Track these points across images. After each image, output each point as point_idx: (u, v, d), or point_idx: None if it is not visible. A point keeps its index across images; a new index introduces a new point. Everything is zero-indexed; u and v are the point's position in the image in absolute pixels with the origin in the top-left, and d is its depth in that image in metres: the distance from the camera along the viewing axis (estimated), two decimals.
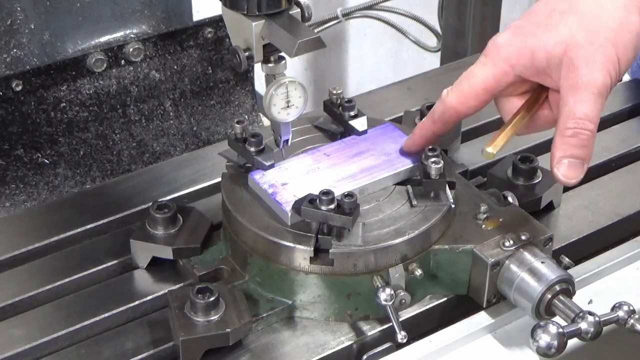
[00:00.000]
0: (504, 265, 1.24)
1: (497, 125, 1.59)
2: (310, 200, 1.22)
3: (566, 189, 1.44)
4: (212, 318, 1.19)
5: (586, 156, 1.18)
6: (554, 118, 1.22)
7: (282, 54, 1.25)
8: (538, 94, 1.25)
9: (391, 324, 1.21)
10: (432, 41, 2.96)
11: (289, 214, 1.24)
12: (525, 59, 1.20)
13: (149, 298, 1.29)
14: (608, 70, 1.16)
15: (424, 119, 1.32)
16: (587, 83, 1.16)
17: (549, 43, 1.18)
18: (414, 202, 1.28)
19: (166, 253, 1.31)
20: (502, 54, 1.21)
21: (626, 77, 1.78)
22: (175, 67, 1.81)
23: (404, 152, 1.34)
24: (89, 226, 1.41)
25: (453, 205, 1.28)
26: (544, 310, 1.21)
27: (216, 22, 1.79)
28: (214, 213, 1.37)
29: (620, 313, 1.18)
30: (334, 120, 1.42)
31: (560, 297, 1.21)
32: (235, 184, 1.32)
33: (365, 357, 1.22)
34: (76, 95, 1.72)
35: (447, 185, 1.28)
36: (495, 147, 1.22)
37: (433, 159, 1.27)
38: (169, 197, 1.45)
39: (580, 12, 1.18)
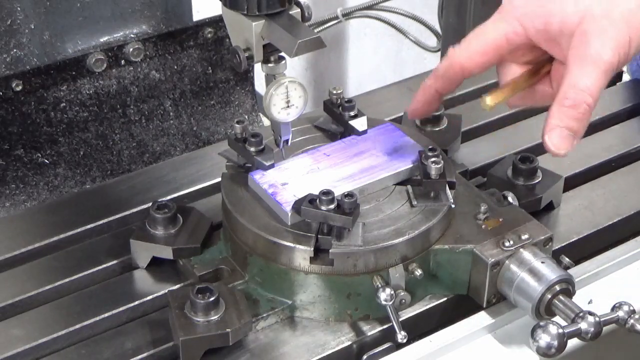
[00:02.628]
0: (504, 265, 1.24)
1: (497, 125, 1.60)
2: (310, 200, 1.22)
3: (566, 188, 1.44)
4: (212, 318, 1.19)
5: (579, 129, 1.16)
6: (552, 94, 1.20)
7: (282, 54, 1.25)
8: (541, 66, 1.25)
9: (391, 324, 1.21)
10: (432, 41, 2.95)
11: (289, 214, 1.24)
12: (539, 22, 1.19)
13: (149, 298, 1.29)
14: (618, 48, 1.15)
15: (424, 80, 1.29)
16: (595, 57, 1.15)
17: (566, 11, 1.17)
18: (414, 202, 1.28)
19: (166, 253, 1.31)
20: (517, 14, 1.20)
21: (626, 77, 1.78)
22: (175, 67, 1.81)
23: (404, 152, 1.34)
24: (89, 226, 1.41)
25: (453, 205, 1.28)
26: (544, 310, 1.21)
27: (216, 22, 1.79)
28: (214, 213, 1.37)
29: (620, 313, 1.18)
30: (334, 120, 1.42)
31: (560, 297, 1.21)
32: (235, 184, 1.32)
33: (365, 357, 1.22)
34: (76, 95, 1.72)
35: (447, 185, 1.28)
36: (494, 98, 1.21)
37: (433, 159, 1.27)
38: (169, 197, 1.45)
39: None
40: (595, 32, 1.15)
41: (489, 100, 1.21)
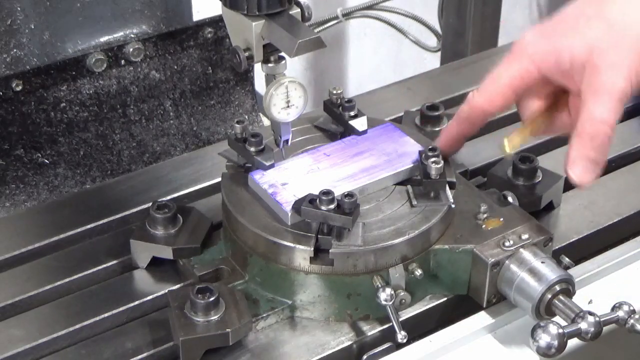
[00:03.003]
0: (504, 265, 1.24)
1: (496, 125, 1.60)
2: (310, 200, 1.22)
3: (566, 188, 1.44)
4: (212, 318, 1.19)
5: (601, 159, 1.20)
6: (571, 122, 1.23)
7: (282, 54, 1.25)
8: (558, 97, 1.27)
9: (391, 324, 1.21)
10: (432, 41, 2.95)
11: (289, 214, 1.24)
12: (550, 59, 1.22)
13: (149, 298, 1.29)
14: (630, 77, 1.18)
15: (449, 123, 1.33)
16: (608, 87, 1.17)
17: (574, 46, 1.19)
18: (414, 202, 1.28)
19: (166, 253, 1.31)
20: (529, 52, 1.23)
21: None
22: (175, 67, 1.81)
23: (404, 152, 1.34)
24: (89, 226, 1.41)
25: (453, 205, 1.28)
26: (544, 310, 1.21)
27: (216, 22, 1.79)
28: (214, 213, 1.37)
29: (620, 313, 1.18)
30: (334, 120, 1.42)
31: (560, 297, 1.21)
32: (235, 184, 1.32)
33: (365, 357, 1.22)
34: (76, 95, 1.72)
35: (447, 185, 1.28)
36: (513, 147, 1.25)
37: (433, 159, 1.27)
38: (169, 197, 1.45)
39: (606, 19, 1.19)
40: (606, 65, 1.17)
41: (508, 148, 1.25)
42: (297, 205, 1.23)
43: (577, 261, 1.33)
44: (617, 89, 1.17)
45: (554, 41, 1.21)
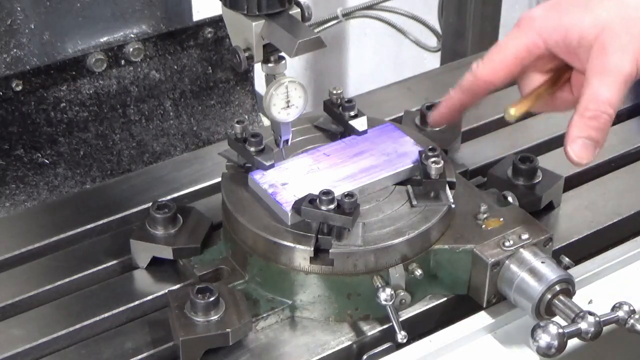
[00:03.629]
0: (504, 265, 1.24)
1: (496, 125, 1.60)
2: (310, 200, 1.22)
3: (566, 188, 1.44)
4: (212, 318, 1.19)
5: (601, 139, 1.19)
6: (572, 100, 1.23)
7: (282, 54, 1.25)
8: (561, 73, 1.26)
9: (391, 324, 1.21)
10: (432, 41, 2.95)
11: (289, 214, 1.24)
12: (558, 34, 1.21)
13: (149, 298, 1.29)
14: (636, 60, 1.17)
15: (451, 91, 1.30)
16: (615, 69, 1.17)
17: (585, 23, 1.18)
18: (414, 202, 1.28)
19: (166, 253, 1.31)
20: (536, 26, 1.22)
21: None
22: (175, 67, 1.81)
23: (404, 152, 1.34)
24: (89, 226, 1.41)
25: (453, 205, 1.28)
26: (544, 310, 1.21)
27: (216, 22, 1.79)
28: (214, 213, 1.37)
29: (620, 313, 1.18)
30: (334, 120, 1.42)
31: (560, 297, 1.21)
32: (235, 184, 1.32)
33: (365, 357, 1.22)
34: (76, 95, 1.72)
35: (447, 185, 1.28)
36: (517, 109, 1.23)
37: (433, 159, 1.27)
38: (169, 197, 1.45)
39: (622, 0, 1.18)
40: (615, 46, 1.17)
41: (513, 111, 1.23)
42: (297, 205, 1.23)
43: (577, 261, 1.33)
44: (624, 71, 1.16)
45: (563, 17, 1.20)
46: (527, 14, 1.23)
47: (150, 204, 1.34)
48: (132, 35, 1.71)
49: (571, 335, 1.15)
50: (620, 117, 1.65)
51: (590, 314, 1.17)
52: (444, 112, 1.32)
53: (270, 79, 1.27)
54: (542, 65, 1.25)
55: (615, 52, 1.17)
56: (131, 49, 1.72)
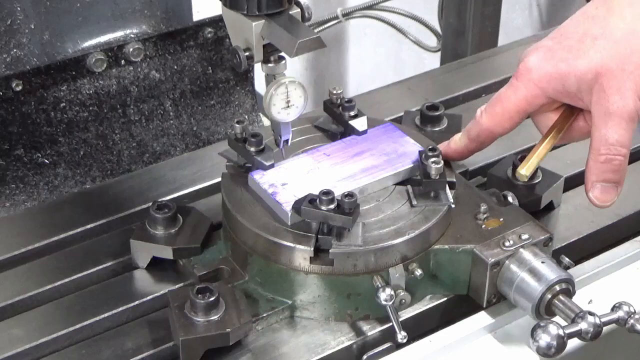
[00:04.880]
0: (504, 265, 1.24)
1: None
2: (310, 200, 1.22)
3: (566, 188, 1.44)
4: (212, 318, 1.19)
5: (619, 179, 1.21)
6: (588, 129, 1.23)
7: (282, 54, 1.25)
8: (572, 108, 1.26)
9: (391, 324, 1.21)
10: (432, 41, 2.96)
11: (289, 214, 1.24)
12: (556, 83, 1.21)
13: (149, 298, 1.29)
14: (639, 96, 1.17)
15: (459, 135, 1.32)
16: (618, 110, 1.17)
17: (580, 69, 1.19)
18: (414, 202, 1.28)
19: (166, 253, 1.31)
20: (534, 77, 1.22)
21: None
22: (175, 67, 1.81)
23: (404, 152, 1.34)
24: (89, 226, 1.41)
25: (453, 205, 1.28)
26: (544, 310, 1.21)
27: (216, 22, 1.79)
28: (214, 213, 1.37)
29: (620, 313, 1.18)
30: (334, 120, 1.42)
31: (560, 297, 1.21)
32: (235, 184, 1.32)
33: (365, 357, 1.22)
34: (76, 95, 1.72)
35: (447, 185, 1.28)
36: (528, 169, 1.26)
37: (433, 159, 1.27)
38: (169, 197, 1.45)
39: (612, 38, 1.18)
40: (614, 87, 1.17)
41: (524, 171, 1.27)
42: (297, 205, 1.23)
43: (577, 261, 1.33)
44: (627, 110, 1.17)
45: (558, 64, 1.20)
46: (523, 65, 1.23)
47: (150, 204, 1.34)
48: (132, 35, 1.71)
49: (571, 335, 1.15)
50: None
51: (590, 314, 1.16)
52: (452, 155, 1.33)
53: (270, 79, 1.27)
54: (549, 107, 1.27)
55: (615, 93, 1.17)
56: (131, 49, 1.72)
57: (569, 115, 1.26)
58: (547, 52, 1.22)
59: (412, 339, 1.22)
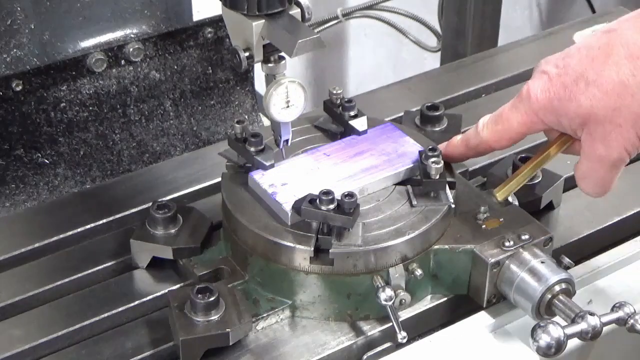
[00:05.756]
0: (504, 265, 1.24)
1: None
2: (310, 200, 1.22)
3: (566, 188, 1.44)
4: (212, 318, 1.19)
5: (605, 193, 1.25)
6: None
7: (282, 54, 1.25)
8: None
9: (391, 324, 1.21)
10: (432, 41, 2.96)
11: (289, 214, 1.24)
12: (551, 116, 1.22)
13: (149, 298, 1.29)
14: (625, 148, 1.19)
15: (459, 141, 1.33)
16: (602, 157, 1.20)
17: (570, 111, 1.20)
18: (414, 202, 1.28)
19: (166, 253, 1.32)
20: (534, 107, 1.23)
21: None
22: (175, 67, 1.81)
23: (404, 152, 1.34)
24: (89, 226, 1.41)
25: (453, 205, 1.28)
26: (544, 310, 1.21)
27: (216, 22, 1.79)
28: (214, 213, 1.37)
29: (620, 313, 1.18)
30: (334, 120, 1.42)
31: (560, 297, 1.21)
32: (235, 184, 1.32)
33: (365, 357, 1.22)
34: (76, 95, 1.72)
35: (447, 185, 1.28)
36: (502, 194, 1.32)
37: (433, 159, 1.27)
38: (169, 197, 1.45)
39: (603, 88, 1.17)
40: (600, 136, 1.19)
41: (499, 195, 1.32)
42: (297, 205, 1.23)
43: (577, 261, 1.33)
44: (610, 160, 1.19)
45: (553, 101, 1.21)
46: (527, 91, 1.23)
47: (150, 204, 1.35)
48: (132, 35, 1.71)
49: (571, 335, 1.15)
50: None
51: (590, 314, 1.17)
52: (449, 157, 1.34)
53: (270, 79, 1.27)
54: (549, 130, 1.28)
55: (600, 141, 1.19)
56: (131, 49, 1.72)
57: (567, 139, 1.27)
58: (548, 82, 1.22)
59: (412, 339, 1.22)
